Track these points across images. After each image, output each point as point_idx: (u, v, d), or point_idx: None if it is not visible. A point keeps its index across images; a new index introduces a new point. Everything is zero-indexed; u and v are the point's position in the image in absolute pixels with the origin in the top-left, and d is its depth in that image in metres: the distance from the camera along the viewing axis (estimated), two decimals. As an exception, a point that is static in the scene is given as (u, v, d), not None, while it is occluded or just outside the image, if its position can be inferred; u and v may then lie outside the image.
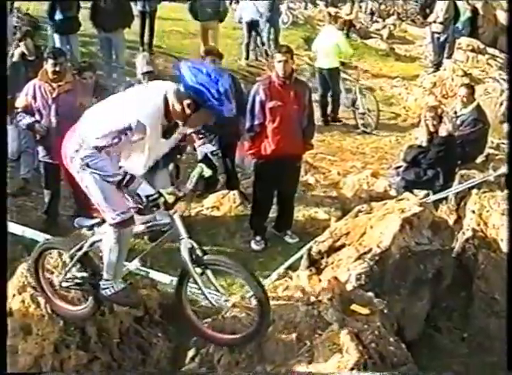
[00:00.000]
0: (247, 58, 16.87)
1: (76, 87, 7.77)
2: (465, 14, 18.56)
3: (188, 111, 4.36)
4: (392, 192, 8.80)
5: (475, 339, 6.46)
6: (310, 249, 6.09)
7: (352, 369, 4.63)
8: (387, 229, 6.01)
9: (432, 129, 8.71)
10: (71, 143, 4.63)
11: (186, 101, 4.32)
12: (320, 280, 5.39)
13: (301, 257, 6.25)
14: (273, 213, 8.11)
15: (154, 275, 6.36)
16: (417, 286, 5.99)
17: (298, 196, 8.41)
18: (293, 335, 4.90)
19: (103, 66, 13.15)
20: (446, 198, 8.10)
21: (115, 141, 4.39)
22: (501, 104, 13.03)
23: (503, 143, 11.54)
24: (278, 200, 7.97)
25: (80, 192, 5.04)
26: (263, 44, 17.02)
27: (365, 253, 5.65)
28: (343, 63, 13.60)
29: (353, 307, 5.07)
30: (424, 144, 8.81)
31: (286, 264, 6.45)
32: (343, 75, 13.71)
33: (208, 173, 4.92)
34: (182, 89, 4.35)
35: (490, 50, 19.46)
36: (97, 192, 4.63)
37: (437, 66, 16.60)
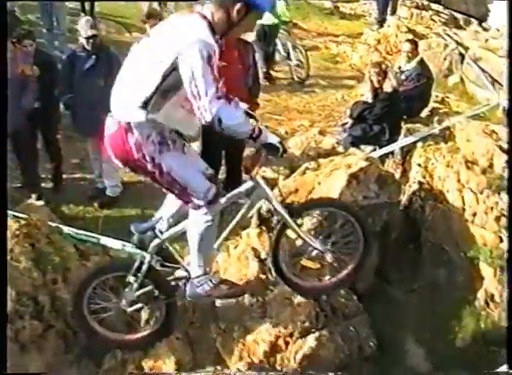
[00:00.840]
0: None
1: (16, 56, 7.63)
2: (408, -30, 18.63)
3: (236, 17, 4.14)
4: (340, 149, 8.84)
5: (426, 289, 6.60)
6: (259, 208, 6.12)
7: (304, 322, 4.72)
8: (334, 184, 6.08)
9: (376, 85, 8.75)
10: None
11: (237, 7, 4.08)
12: (270, 238, 5.42)
13: (251, 216, 6.28)
14: (222, 174, 8.10)
15: (106, 241, 6.34)
16: (366, 239, 6.08)
17: (246, 156, 8.40)
18: (246, 292, 4.97)
19: (44, 33, 12.87)
20: (392, 153, 8.21)
21: (215, 72, 4.05)
22: (444, 58, 13.15)
23: (448, 97, 11.72)
24: (226, 161, 7.95)
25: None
26: None
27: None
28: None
29: (304, 262, 5.14)
30: (370, 100, 8.86)
31: (233, 223, 6.46)
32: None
33: None
34: None
35: (434, 6, 19.60)
36: (185, 172, 4.39)
37: (381, 23, 16.60)
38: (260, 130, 4.24)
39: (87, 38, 7.81)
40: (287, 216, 4.65)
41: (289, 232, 4.93)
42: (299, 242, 4.92)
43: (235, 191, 4.70)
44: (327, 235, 5.05)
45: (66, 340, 5.33)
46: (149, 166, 4.31)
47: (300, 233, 4.80)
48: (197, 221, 4.51)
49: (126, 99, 4.27)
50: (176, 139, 4.44)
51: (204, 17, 4.15)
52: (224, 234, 4.84)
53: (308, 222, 5.44)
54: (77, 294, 4.94)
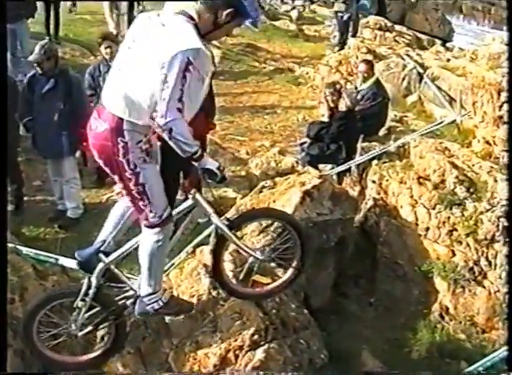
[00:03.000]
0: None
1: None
2: (371, -7, 19.05)
3: (223, 20, 4.17)
4: (300, 168, 8.96)
5: (382, 303, 6.72)
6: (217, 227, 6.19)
7: (253, 335, 4.81)
8: (288, 202, 6.19)
9: (331, 104, 8.93)
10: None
11: (226, 12, 4.12)
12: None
13: (209, 235, 6.34)
14: (181, 196, 8.15)
15: (64, 261, 6.37)
16: (321, 255, 6.18)
17: (206, 177, 8.47)
18: (197, 307, 5.05)
19: (10, 58, 12.89)
20: (349, 171, 8.35)
21: (185, 86, 3.95)
22: (403, 78, 13.37)
23: (406, 116, 11.93)
24: (185, 179, 8.01)
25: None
26: None
27: (268, 226, 5.75)
28: None
29: (255, 277, 5.24)
30: (326, 119, 9.04)
31: (194, 242, 6.54)
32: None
33: None
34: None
35: (397, 27, 19.99)
36: (157, 188, 4.40)
37: (342, 44, 16.85)
38: (202, 155, 4.24)
39: (37, 63, 7.84)
40: (227, 230, 4.70)
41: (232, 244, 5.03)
42: (241, 253, 5.04)
43: (176, 210, 4.75)
44: (267, 244, 5.24)
45: (25, 359, 5.34)
46: (128, 173, 4.29)
47: (239, 245, 4.86)
48: (149, 240, 4.52)
49: (133, 97, 4.17)
50: (156, 151, 4.52)
51: (191, 18, 4.16)
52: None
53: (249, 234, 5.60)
54: (26, 324, 4.92)
